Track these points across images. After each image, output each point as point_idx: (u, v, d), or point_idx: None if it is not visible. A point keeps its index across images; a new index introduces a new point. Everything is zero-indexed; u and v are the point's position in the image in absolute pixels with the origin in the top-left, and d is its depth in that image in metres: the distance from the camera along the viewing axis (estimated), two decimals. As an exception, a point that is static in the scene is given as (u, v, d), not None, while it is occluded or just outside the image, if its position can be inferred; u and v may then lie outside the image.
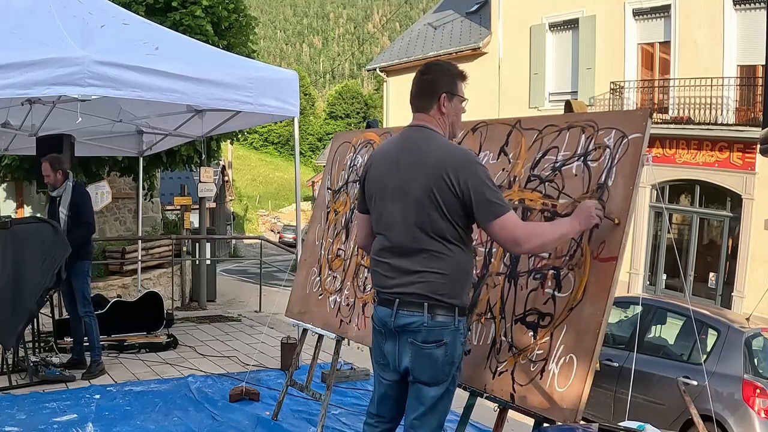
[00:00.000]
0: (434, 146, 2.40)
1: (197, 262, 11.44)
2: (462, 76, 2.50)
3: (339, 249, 4.04)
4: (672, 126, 13.57)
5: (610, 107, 14.33)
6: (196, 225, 13.11)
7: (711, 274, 13.79)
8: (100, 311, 6.37)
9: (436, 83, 2.44)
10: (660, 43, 14.52)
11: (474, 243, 3.07)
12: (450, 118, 2.48)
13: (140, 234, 9.89)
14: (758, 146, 9.85)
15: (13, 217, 9.02)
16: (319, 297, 4.08)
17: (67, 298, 5.48)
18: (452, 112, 2.47)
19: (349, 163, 4.20)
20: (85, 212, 5.22)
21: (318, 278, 4.15)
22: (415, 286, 2.37)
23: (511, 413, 2.79)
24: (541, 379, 2.55)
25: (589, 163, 2.66)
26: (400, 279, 2.41)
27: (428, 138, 2.44)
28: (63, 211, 5.14)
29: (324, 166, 4.79)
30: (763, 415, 5.41)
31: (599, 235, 2.53)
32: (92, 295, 7.18)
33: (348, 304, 3.79)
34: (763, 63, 10.06)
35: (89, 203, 5.35)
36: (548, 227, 2.45)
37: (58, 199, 5.21)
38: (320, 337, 4.11)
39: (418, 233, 2.37)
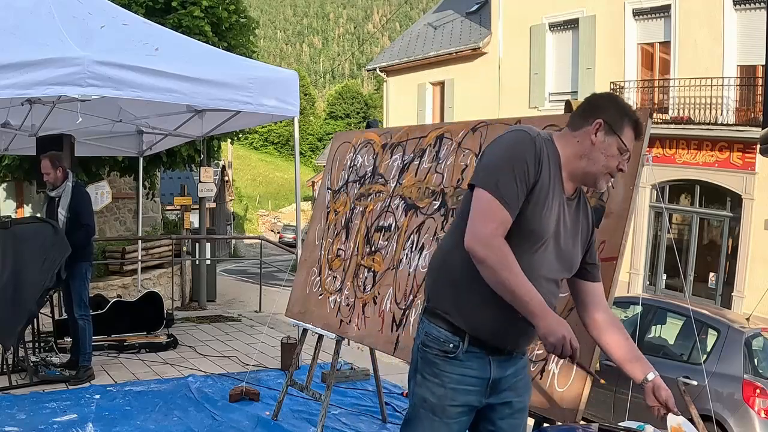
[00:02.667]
0: None
1: (197, 262, 11.44)
2: (632, 126, 1.96)
3: (339, 249, 4.04)
4: (672, 126, 13.57)
5: (610, 107, 14.31)
6: (196, 225, 13.11)
7: (711, 274, 13.79)
8: (100, 311, 6.38)
9: (602, 107, 1.98)
10: (660, 43, 14.52)
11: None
12: (593, 153, 1.95)
13: (140, 234, 9.89)
14: (758, 146, 9.86)
15: (13, 217, 9.03)
16: (319, 297, 4.08)
17: (66, 299, 5.46)
18: (601, 147, 1.94)
19: (349, 163, 4.20)
20: (84, 214, 5.13)
21: (318, 278, 4.15)
22: None
23: (511, 413, 2.79)
24: (541, 379, 2.55)
25: (589, 163, 2.66)
26: None
27: None
28: (62, 213, 5.07)
29: (324, 166, 4.79)
30: (763, 415, 5.41)
31: (599, 235, 2.53)
32: (92, 295, 7.21)
33: (348, 304, 3.79)
34: (763, 63, 10.06)
35: (89, 204, 5.27)
36: (520, 275, 1.82)
37: (57, 199, 5.13)
38: (320, 337, 4.11)
39: None
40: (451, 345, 1.97)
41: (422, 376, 2.02)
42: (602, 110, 1.96)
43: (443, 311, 1.98)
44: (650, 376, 2.00)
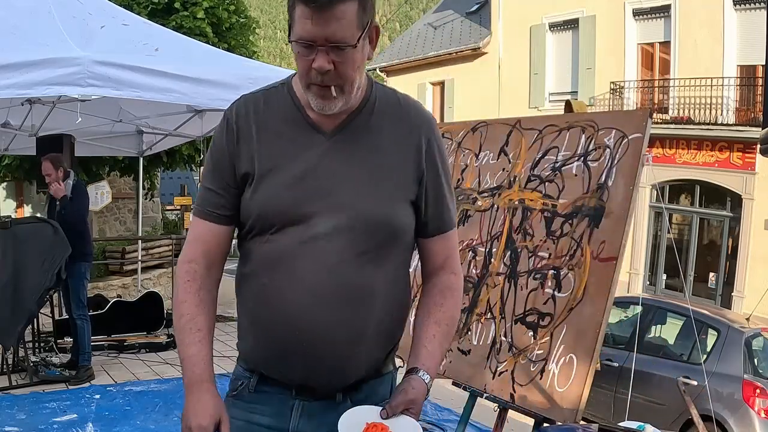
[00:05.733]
0: None
1: (197, 262, 11.41)
2: (299, 2, 1.27)
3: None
4: (672, 126, 13.57)
5: (610, 107, 14.32)
6: (196, 225, 13.08)
7: (711, 274, 13.79)
8: (100, 311, 6.38)
9: None
10: (660, 43, 14.51)
11: (474, 243, 3.07)
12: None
13: (140, 234, 9.89)
14: (758, 146, 9.86)
15: (13, 217, 9.03)
16: (319, 297, 4.07)
17: (66, 299, 5.48)
18: (295, 55, 1.36)
19: (349, 163, 4.19)
20: (75, 206, 5.14)
21: (318, 278, 4.14)
22: None
23: (511, 413, 2.79)
24: (541, 379, 2.55)
25: (589, 163, 2.66)
26: None
27: None
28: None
29: (324, 166, 4.78)
30: (763, 415, 5.41)
31: (599, 235, 2.53)
32: (92, 295, 7.22)
33: (348, 304, 3.79)
34: (763, 63, 10.06)
35: (85, 200, 5.31)
36: (185, 326, 1.46)
37: (57, 199, 5.20)
38: (320, 337, 4.09)
39: None
40: (240, 383, 1.50)
41: None
42: None
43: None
44: (420, 373, 1.44)
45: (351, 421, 1.35)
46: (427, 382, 1.43)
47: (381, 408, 1.37)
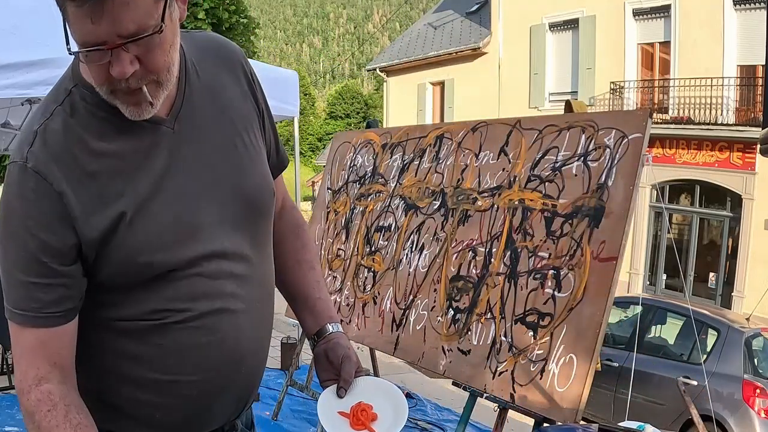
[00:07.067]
0: None
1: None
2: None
3: (339, 249, 4.04)
4: (672, 126, 13.59)
5: (610, 107, 14.34)
6: (196, 225, 13.10)
7: (711, 274, 13.80)
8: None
9: None
10: (660, 43, 14.52)
11: (474, 243, 3.08)
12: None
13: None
14: (758, 146, 9.87)
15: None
16: (319, 297, 4.07)
17: None
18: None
19: (349, 163, 4.21)
20: None
21: (318, 278, 4.14)
22: None
23: (511, 413, 2.80)
24: (541, 379, 2.56)
25: (589, 163, 2.67)
26: None
27: None
28: None
29: (324, 166, 4.79)
30: (763, 415, 5.41)
31: (599, 235, 2.53)
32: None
33: (348, 304, 3.79)
34: (763, 63, 10.07)
35: None
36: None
37: None
38: (320, 337, 4.09)
39: None
40: None
41: None
42: None
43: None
44: (331, 328, 1.31)
45: (329, 417, 1.18)
46: (343, 332, 1.32)
47: (337, 387, 1.23)
